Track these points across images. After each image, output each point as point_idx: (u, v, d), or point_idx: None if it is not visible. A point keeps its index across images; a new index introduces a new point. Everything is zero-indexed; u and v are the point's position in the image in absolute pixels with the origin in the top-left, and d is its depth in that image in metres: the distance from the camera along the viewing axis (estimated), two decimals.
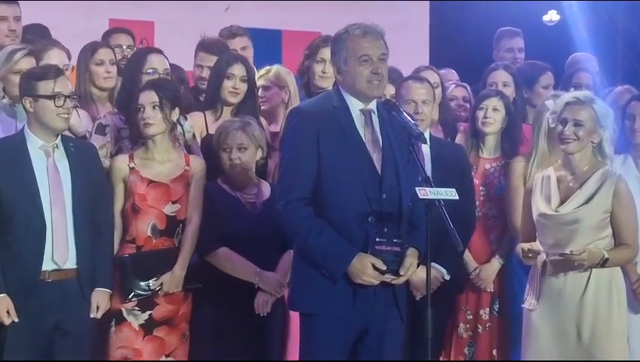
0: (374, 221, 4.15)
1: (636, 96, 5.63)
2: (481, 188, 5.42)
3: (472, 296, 5.41)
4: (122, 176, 4.84)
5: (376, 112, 4.29)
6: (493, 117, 5.43)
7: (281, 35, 8.00)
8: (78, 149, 4.65)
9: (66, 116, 4.56)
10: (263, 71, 5.75)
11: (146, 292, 4.78)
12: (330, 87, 5.30)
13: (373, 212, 4.16)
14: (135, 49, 5.91)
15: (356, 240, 4.15)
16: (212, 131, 5.24)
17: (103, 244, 4.69)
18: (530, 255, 4.73)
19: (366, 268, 4.10)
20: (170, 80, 5.08)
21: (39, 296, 4.48)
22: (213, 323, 4.86)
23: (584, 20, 9.11)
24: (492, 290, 5.39)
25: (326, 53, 5.36)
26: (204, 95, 5.55)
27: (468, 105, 5.94)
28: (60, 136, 4.61)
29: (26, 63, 4.95)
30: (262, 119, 5.47)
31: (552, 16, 10.52)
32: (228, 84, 5.32)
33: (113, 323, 4.78)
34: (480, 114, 5.44)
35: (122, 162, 4.87)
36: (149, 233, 4.82)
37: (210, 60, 5.68)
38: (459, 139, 5.66)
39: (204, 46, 5.85)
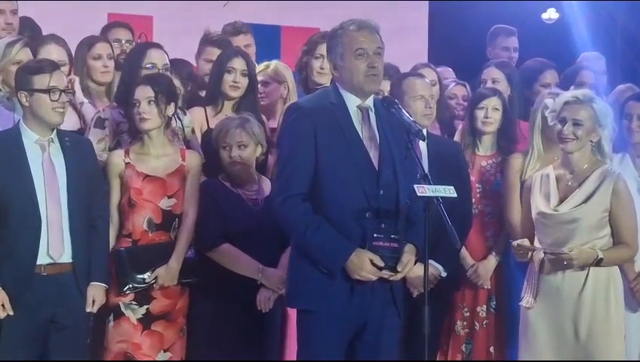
0: (372, 217, 4.15)
1: (634, 95, 5.63)
2: (477, 185, 5.42)
3: (469, 293, 5.41)
4: (118, 171, 4.85)
5: (373, 109, 4.28)
6: (493, 116, 5.45)
7: (280, 30, 7.99)
8: (73, 144, 4.64)
9: (62, 110, 4.55)
10: (261, 66, 5.75)
11: (141, 285, 4.78)
12: (329, 83, 5.34)
13: (370, 208, 4.15)
14: (134, 43, 5.90)
15: (354, 237, 4.14)
16: (213, 125, 5.23)
17: (98, 238, 4.68)
18: (520, 251, 4.73)
19: (364, 264, 4.10)
20: (166, 75, 5.06)
21: (34, 290, 4.47)
22: (212, 319, 4.86)
23: (583, 18, 9.09)
24: (489, 287, 5.39)
25: (324, 49, 5.32)
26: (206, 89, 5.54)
27: (467, 103, 5.93)
28: (55, 131, 4.60)
29: (24, 54, 4.95)
30: (262, 115, 5.47)
31: (551, 14, 10.49)
32: (228, 78, 5.31)
33: (111, 317, 4.78)
34: (480, 113, 5.44)
35: (118, 157, 4.86)
36: (145, 227, 4.82)
37: (212, 53, 5.70)
38: (457, 137, 5.65)
39: (211, 40, 5.86)
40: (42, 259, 4.48)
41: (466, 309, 5.41)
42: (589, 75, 6.34)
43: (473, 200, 5.36)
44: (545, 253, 4.66)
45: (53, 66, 4.59)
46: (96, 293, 4.63)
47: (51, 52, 5.26)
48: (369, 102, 4.28)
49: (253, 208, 4.93)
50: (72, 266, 4.55)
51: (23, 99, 4.53)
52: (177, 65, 5.42)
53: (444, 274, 5.06)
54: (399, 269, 4.15)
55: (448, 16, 9.18)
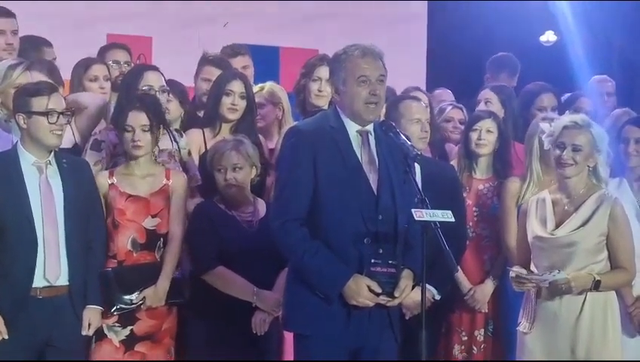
0: (370, 242, 4.15)
1: (631, 119, 5.64)
2: (474, 208, 5.42)
3: (467, 317, 5.40)
4: (103, 192, 4.84)
5: (372, 133, 4.28)
6: (486, 138, 5.44)
7: (278, 51, 8.00)
8: (71, 166, 4.64)
9: (59, 133, 4.55)
10: (256, 88, 5.76)
11: (129, 306, 4.76)
12: (326, 106, 5.36)
13: (369, 232, 4.15)
14: (132, 64, 5.91)
15: (351, 261, 4.14)
16: None
17: (94, 261, 4.68)
18: (519, 282, 4.69)
19: (361, 290, 4.09)
20: (156, 97, 5.03)
21: (30, 313, 4.46)
22: (208, 340, 4.85)
23: (581, 41, 9.12)
24: (486, 311, 5.38)
25: (322, 71, 5.40)
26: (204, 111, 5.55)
27: (463, 126, 5.94)
28: (53, 153, 4.59)
29: (25, 78, 4.94)
30: (260, 136, 5.47)
31: (549, 36, 10.53)
32: (227, 101, 5.32)
33: (94, 339, 4.76)
34: (474, 135, 5.45)
35: (103, 178, 4.87)
36: (129, 247, 4.82)
37: (211, 72, 5.73)
38: (453, 159, 5.65)
39: (210, 60, 5.88)
40: (38, 282, 4.47)
41: (463, 333, 5.40)
42: (587, 102, 6.36)
43: (470, 223, 5.36)
44: (541, 279, 4.63)
45: (51, 89, 4.60)
46: (92, 316, 4.62)
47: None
48: (369, 126, 4.28)
49: (248, 230, 4.92)
50: (68, 289, 4.54)
51: (21, 121, 4.53)
52: (170, 85, 5.43)
53: (437, 297, 5.05)
54: (397, 295, 4.15)
55: (446, 37, 9.21)
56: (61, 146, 4.72)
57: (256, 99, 5.60)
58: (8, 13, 5.78)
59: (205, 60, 5.90)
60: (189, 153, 5.24)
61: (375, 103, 4.21)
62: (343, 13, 8.16)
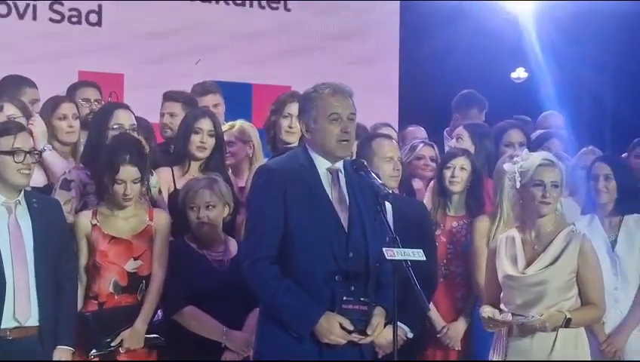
0: (341, 280, 4.13)
1: (600, 157, 5.68)
2: (448, 246, 5.42)
3: (440, 355, 5.40)
4: (85, 232, 4.82)
5: (343, 171, 4.28)
6: (460, 176, 5.46)
7: (251, 88, 8.02)
8: (41, 205, 4.62)
9: (27, 172, 4.53)
10: (226, 126, 5.76)
11: (107, 349, 4.72)
12: (297, 142, 5.35)
13: (340, 270, 4.14)
14: (103, 102, 5.90)
15: (323, 299, 4.12)
16: (180, 186, 5.22)
17: (65, 301, 4.64)
18: (491, 324, 4.68)
19: (333, 328, 4.07)
20: (141, 142, 5.01)
21: (0, 354, 4.40)
22: None
23: (551, 78, 9.23)
24: (459, 349, 5.37)
25: (293, 108, 5.39)
26: (172, 148, 5.54)
27: (434, 164, 5.95)
28: (23, 192, 4.57)
29: None
30: (230, 174, 5.46)
31: (520, 73, 10.66)
32: (195, 139, 5.31)
33: None
34: (447, 173, 5.46)
35: (85, 218, 4.84)
36: (110, 289, 4.79)
37: (172, 107, 5.75)
38: (427, 196, 5.65)
39: (167, 95, 5.92)
40: (8, 323, 4.43)
41: None
42: (558, 144, 6.32)
43: (444, 261, 5.37)
44: (514, 319, 4.61)
45: (18, 128, 4.59)
46: (62, 357, 4.57)
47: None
48: (339, 164, 4.28)
49: (218, 269, 4.91)
50: (38, 329, 4.50)
51: None
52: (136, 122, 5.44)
53: (410, 336, 5.03)
54: (369, 333, 4.13)
55: (419, 75, 9.28)
56: (33, 185, 4.69)
57: (227, 137, 5.61)
58: None
59: (163, 97, 5.93)
60: (160, 191, 5.22)
61: (347, 140, 4.22)
62: (317, 51, 8.21)
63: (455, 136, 6.13)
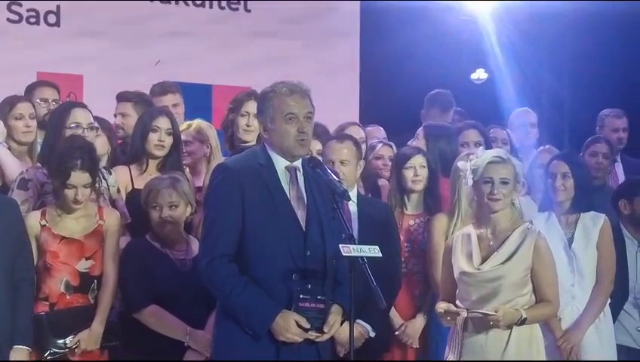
0: (298, 278, 4.13)
1: (557, 155, 5.73)
2: (405, 244, 5.44)
3: (398, 353, 5.41)
4: (34, 233, 4.78)
5: (301, 170, 4.28)
6: (422, 174, 5.49)
7: (211, 89, 8.00)
8: None
9: None
10: (184, 125, 5.74)
11: (62, 350, 4.70)
12: (255, 141, 5.36)
13: (297, 269, 4.14)
14: (61, 102, 5.86)
15: (280, 297, 4.12)
16: (138, 185, 5.21)
17: (22, 302, 4.61)
18: (448, 317, 4.70)
19: (290, 326, 4.07)
20: (92, 145, 4.98)
21: None
22: None
23: (511, 79, 9.30)
24: (417, 346, 5.39)
25: (250, 106, 5.39)
26: (129, 148, 5.52)
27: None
28: None
29: None
30: (187, 173, 5.45)
31: (480, 74, 10.73)
32: (153, 137, 5.30)
33: None
34: (409, 173, 5.47)
35: (34, 219, 4.81)
36: (62, 289, 4.76)
37: (124, 107, 5.74)
38: (384, 198, 5.68)
39: (119, 95, 5.90)
40: None
41: None
42: (501, 132, 6.46)
43: (402, 259, 5.38)
44: (469, 312, 4.65)
45: None
46: (19, 357, 4.54)
47: None
48: (297, 162, 4.28)
49: (181, 269, 4.90)
50: None
51: None
52: (99, 122, 5.39)
53: (372, 334, 5.05)
54: (325, 330, 4.13)
55: (379, 76, 9.30)
56: None
57: (184, 137, 5.59)
58: None
59: (119, 97, 5.90)
60: (118, 190, 5.19)
61: (304, 140, 4.22)
62: (276, 52, 8.20)
63: (416, 135, 6.15)
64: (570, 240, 5.42)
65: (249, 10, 8.25)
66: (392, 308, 5.28)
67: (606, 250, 5.42)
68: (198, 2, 8.08)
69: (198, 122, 5.78)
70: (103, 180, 5.03)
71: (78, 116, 5.12)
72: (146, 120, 5.34)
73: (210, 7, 8.13)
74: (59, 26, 7.57)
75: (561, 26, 9.81)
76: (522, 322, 4.61)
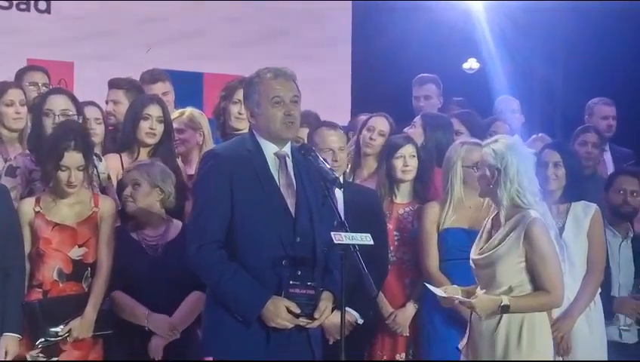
0: (288, 264, 4.13)
1: (549, 144, 5.73)
2: (395, 232, 5.42)
3: (389, 341, 5.40)
4: (28, 219, 4.76)
5: (290, 156, 4.28)
6: (411, 164, 5.48)
7: (202, 77, 7.99)
8: None
9: None
10: (176, 113, 5.74)
11: (55, 339, 4.67)
12: (247, 129, 5.30)
13: (286, 255, 4.14)
14: (51, 87, 5.84)
15: (270, 284, 4.12)
16: None
17: (12, 289, 4.61)
18: (445, 300, 4.63)
19: (280, 312, 4.07)
20: (87, 128, 4.96)
21: None
22: None
23: (503, 68, 9.30)
24: (407, 334, 5.38)
25: (242, 94, 5.36)
26: (119, 135, 5.50)
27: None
28: None
29: None
30: (179, 161, 5.43)
31: (472, 64, 10.72)
32: (144, 125, 5.29)
33: None
34: (398, 163, 5.46)
35: (28, 205, 4.78)
36: (55, 277, 4.74)
37: (116, 94, 5.73)
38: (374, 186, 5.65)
39: (111, 82, 5.89)
40: None
41: (385, 357, 5.38)
42: (503, 126, 6.44)
43: (392, 247, 5.37)
44: (455, 298, 4.61)
45: None
46: (9, 344, 4.55)
47: None
48: (286, 149, 4.28)
49: (150, 255, 4.88)
50: None
51: None
52: (95, 108, 5.39)
53: (360, 321, 5.05)
54: (316, 316, 4.13)
55: (371, 65, 9.29)
56: None
57: (176, 125, 5.59)
58: None
59: (110, 83, 5.90)
60: (109, 177, 5.18)
61: (291, 122, 4.21)
62: (269, 41, 8.18)
63: (411, 123, 6.11)
64: (561, 230, 5.41)
65: None
66: (382, 296, 5.27)
67: (597, 239, 5.41)
68: None
69: (190, 110, 5.79)
70: (93, 167, 5.00)
71: (53, 103, 5.09)
72: (137, 107, 5.33)
73: None
74: (49, 12, 7.54)
75: (553, 16, 9.79)
76: (504, 309, 4.47)
